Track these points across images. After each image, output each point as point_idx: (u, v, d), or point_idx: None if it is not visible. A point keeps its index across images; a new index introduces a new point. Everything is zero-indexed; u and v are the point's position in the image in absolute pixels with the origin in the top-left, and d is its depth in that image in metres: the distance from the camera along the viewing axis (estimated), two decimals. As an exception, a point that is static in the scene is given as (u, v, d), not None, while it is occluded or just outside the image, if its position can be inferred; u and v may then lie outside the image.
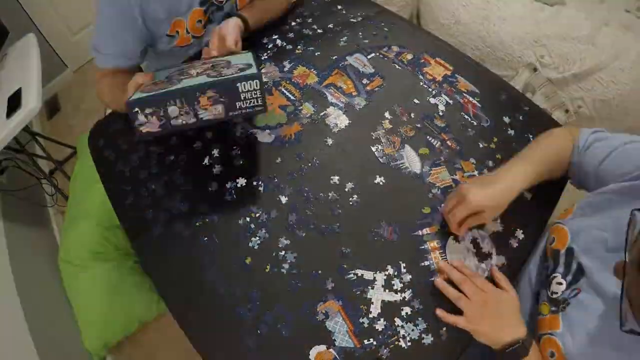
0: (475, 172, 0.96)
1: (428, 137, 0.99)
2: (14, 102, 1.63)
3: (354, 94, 1.07)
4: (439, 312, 0.77)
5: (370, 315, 0.77)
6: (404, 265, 0.83)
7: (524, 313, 0.78)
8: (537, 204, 0.92)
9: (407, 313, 0.78)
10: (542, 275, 0.81)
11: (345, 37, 1.19)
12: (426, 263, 0.83)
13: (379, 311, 0.78)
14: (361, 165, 0.95)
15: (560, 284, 0.73)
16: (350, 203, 0.90)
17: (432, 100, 1.05)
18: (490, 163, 0.96)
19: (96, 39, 1.05)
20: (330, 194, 0.91)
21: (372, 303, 0.78)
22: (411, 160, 0.96)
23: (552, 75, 1.75)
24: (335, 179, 0.93)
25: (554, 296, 0.73)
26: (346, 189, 0.92)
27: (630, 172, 0.70)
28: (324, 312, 0.78)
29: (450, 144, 0.98)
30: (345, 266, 0.83)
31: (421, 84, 1.09)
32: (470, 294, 0.76)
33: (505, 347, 0.70)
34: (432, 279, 0.81)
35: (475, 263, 0.84)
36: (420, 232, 0.86)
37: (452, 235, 0.85)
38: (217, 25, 1.06)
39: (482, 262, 0.84)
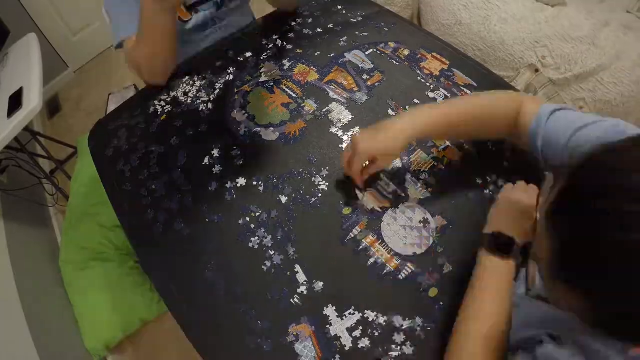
0: (447, 143, 0.96)
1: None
2: (15, 102, 1.63)
3: (355, 89, 1.07)
4: None
5: (346, 349, 0.75)
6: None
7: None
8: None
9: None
10: None
11: (345, 37, 1.19)
12: (372, 260, 0.83)
13: (351, 339, 0.76)
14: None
15: None
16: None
17: (431, 95, 1.05)
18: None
19: (112, 14, 1.06)
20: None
21: (340, 337, 0.76)
22: None
23: (554, 76, 1.74)
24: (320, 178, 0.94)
25: None
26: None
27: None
28: (295, 334, 0.77)
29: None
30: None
31: (419, 78, 1.09)
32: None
33: (498, 233, 0.73)
34: (385, 272, 0.81)
35: (417, 234, 0.85)
36: (351, 234, 0.86)
37: (384, 221, 0.86)
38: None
39: (423, 229, 0.85)
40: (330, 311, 0.78)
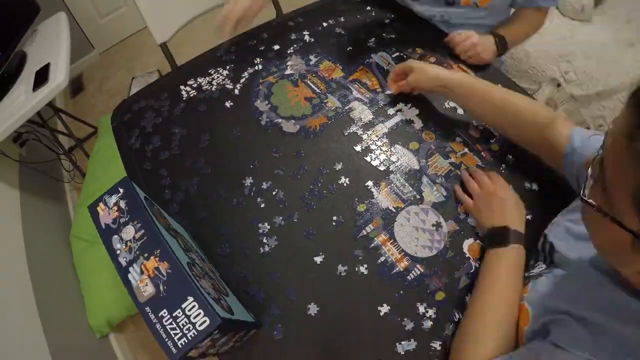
0: (466, 149, 0.98)
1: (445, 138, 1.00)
2: (41, 77, 1.66)
3: (378, 90, 1.08)
4: (456, 187, 0.91)
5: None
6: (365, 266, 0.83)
7: None
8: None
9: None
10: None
11: (373, 38, 1.20)
12: (382, 259, 0.84)
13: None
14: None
15: (537, 265, 0.75)
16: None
17: (451, 103, 1.06)
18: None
19: None
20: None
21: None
22: (406, 157, 0.97)
23: (576, 92, 1.73)
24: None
25: (529, 274, 0.75)
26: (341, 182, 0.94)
27: None
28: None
29: (464, 146, 0.99)
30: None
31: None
32: (483, 183, 0.87)
33: (491, 230, 0.79)
34: (394, 271, 0.82)
35: (429, 237, 0.86)
36: (364, 232, 0.87)
37: (397, 221, 0.88)
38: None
39: (435, 233, 0.86)
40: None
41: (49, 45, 1.83)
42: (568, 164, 0.78)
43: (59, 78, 1.63)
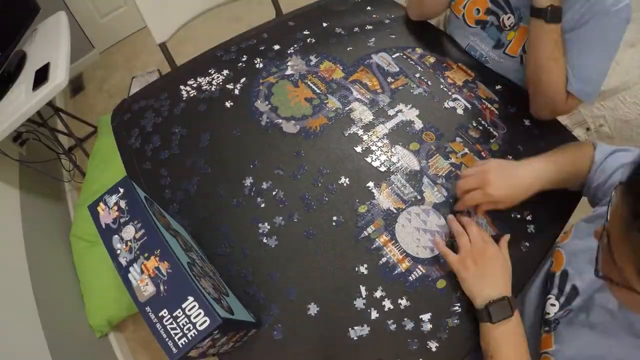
0: (466, 150, 0.98)
1: (445, 139, 1.01)
2: (41, 76, 1.65)
3: (378, 90, 1.08)
4: (437, 238, 0.83)
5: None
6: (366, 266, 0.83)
7: (525, 329, 0.75)
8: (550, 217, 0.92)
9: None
10: (542, 297, 0.79)
11: (374, 39, 1.20)
12: (384, 259, 0.84)
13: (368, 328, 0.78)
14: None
15: (554, 305, 0.72)
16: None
17: (451, 104, 1.06)
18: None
19: None
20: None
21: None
22: (406, 158, 0.97)
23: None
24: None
25: (547, 317, 0.73)
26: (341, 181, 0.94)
27: None
28: None
29: (464, 146, 1.00)
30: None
31: (441, 86, 1.10)
32: (473, 238, 0.79)
33: (489, 302, 0.72)
34: (395, 272, 0.82)
35: (430, 238, 0.86)
36: (365, 232, 0.87)
37: (398, 222, 0.88)
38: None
39: (437, 233, 0.87)
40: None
41: (49, 44, 1.83)
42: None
43: (59, 77, 1.63)
